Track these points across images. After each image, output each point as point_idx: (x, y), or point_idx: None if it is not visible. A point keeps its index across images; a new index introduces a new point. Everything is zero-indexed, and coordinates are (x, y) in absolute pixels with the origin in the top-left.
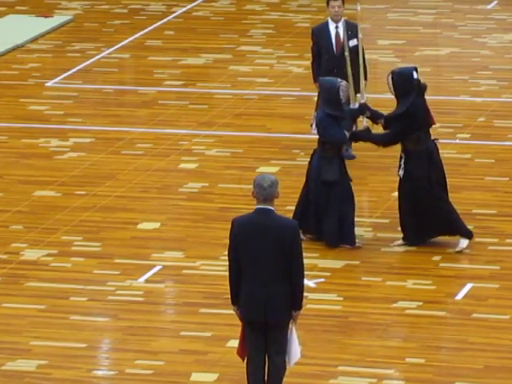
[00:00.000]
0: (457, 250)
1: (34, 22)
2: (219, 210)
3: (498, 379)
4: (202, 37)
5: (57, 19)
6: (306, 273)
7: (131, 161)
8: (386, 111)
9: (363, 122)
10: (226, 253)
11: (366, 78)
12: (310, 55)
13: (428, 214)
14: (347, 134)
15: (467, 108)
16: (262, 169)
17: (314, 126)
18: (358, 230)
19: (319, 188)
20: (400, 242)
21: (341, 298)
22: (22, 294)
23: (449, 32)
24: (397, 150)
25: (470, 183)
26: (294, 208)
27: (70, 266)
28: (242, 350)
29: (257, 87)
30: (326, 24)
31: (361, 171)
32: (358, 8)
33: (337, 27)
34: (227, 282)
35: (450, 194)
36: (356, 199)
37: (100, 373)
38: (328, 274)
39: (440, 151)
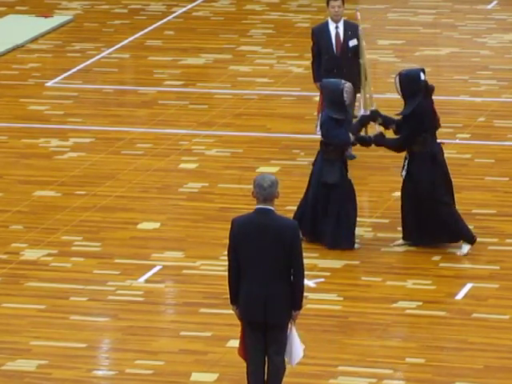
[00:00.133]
0: (457, 253)
1: (34, 21)
2: (219, 210)
3: (498, 379)
4: (202, 37)
5: (57, 19)
6: (306, 273)
7: (131, 161)
8: (385, 111)
9: (376, 128)
10: (226, 253)
11: (365, 78)
12: (309, 55)
13: (429, 216)
14: (352, 136)
15: (467, 108)
16: (262, 169)
17: (318, 127)
18: (358, 230)
19: (319, 190)
20: (400, 241)
21: (341, 298)
22: (22, 294)
23: (449, 32)
24: None
25: (470, 183)
26: (293, 208)
27: (70, 266)
28: (244, 351)
29: (257, 87)
30: (326, 24)
31: (361, 171)
32: (358, 17)
33: (337, 27)
34: (227, 282)
35: None
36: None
37: (100, 373)
38: (328, 273)
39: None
